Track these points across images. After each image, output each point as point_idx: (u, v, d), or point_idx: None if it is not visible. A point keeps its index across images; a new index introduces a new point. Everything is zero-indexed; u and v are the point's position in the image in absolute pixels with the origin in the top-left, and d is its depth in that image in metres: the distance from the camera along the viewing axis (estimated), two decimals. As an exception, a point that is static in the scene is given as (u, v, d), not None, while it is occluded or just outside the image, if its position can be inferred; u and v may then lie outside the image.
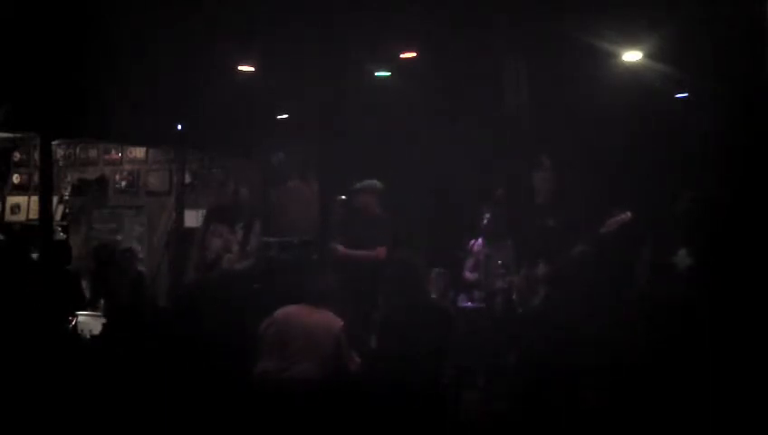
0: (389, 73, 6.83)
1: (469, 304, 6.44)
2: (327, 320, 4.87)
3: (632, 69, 6.02)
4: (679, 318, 4.74)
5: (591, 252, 5.32)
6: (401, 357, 4.89)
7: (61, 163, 9.01)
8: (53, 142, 6.95)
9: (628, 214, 5.37)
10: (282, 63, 6.75)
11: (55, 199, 8.19)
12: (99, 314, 7.30)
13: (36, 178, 8.12)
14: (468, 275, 6.51)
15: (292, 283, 7.65)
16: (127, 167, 8.94)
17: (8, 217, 9.13)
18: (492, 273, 6.23)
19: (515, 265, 6.27)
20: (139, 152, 8.85)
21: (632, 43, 5.82)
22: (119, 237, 8.65)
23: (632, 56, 5.93)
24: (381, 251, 6.01)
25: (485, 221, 6.36)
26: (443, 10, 5.82)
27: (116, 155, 8.98)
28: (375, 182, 6.34)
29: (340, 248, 6.23)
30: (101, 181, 8.82)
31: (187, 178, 8.34)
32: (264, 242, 6.78)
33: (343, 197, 6.57)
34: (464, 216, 6.78)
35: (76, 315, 6.74)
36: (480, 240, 6.44)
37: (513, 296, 5.90)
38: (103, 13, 6.04)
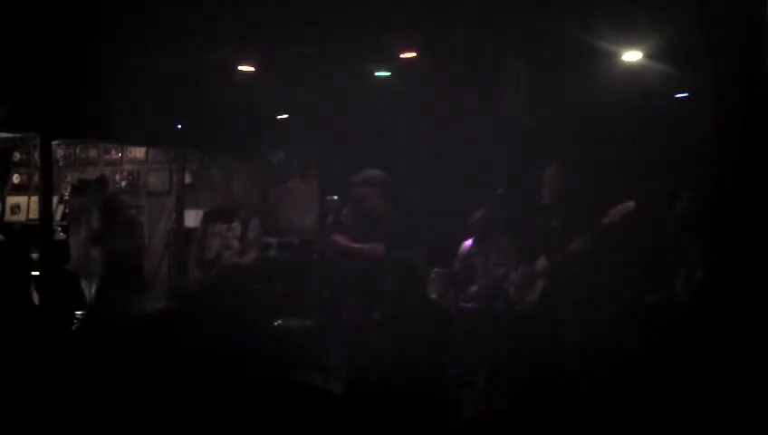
0: (389, 73, 6.83)
1: (469, 304, 6.43)
2: None
3: (632, 69, 6.01)
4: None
5: (589, 248, 5.27)
6: (401, 357, 4.90)
7: (61, 163, 9.02)
8: (53, 142, 6.95)
9: (631, 203, 5.27)
10: (282, 63, 6.75)
11: (55, 199, 8.20)
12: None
13: (36, 178, 8.13)
14: (461, 275, 6.46)
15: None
16: (127, 167, 8.95)
17: (8, 217, 9.14)
18: (489, 273, 6.22)
19: (514, 264, 6.27)
20: (139, 152, 8.86)
21: (632, 43, 5.82)
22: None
23: (632, 56, 5.93)
24: (377, 247, 5.77)
25: (477, 220, 6.34)
26: (443, 10, 5.81)
27: (116, 155, 9.00)
28: (375, 173, 6.03)
29: (341, 240, 6.00)
30: (101, 181, 8.83)
31: (187, 178, 8.35)
32: (264, 242, 6.79)
33: (335, 197, 6.46)
34: (464, 216, 6.77)
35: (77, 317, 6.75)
36: (471, 240, 6.40)
37: (511, 293, 5.89)
38: (103, 12, 6.04)
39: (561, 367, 5.01)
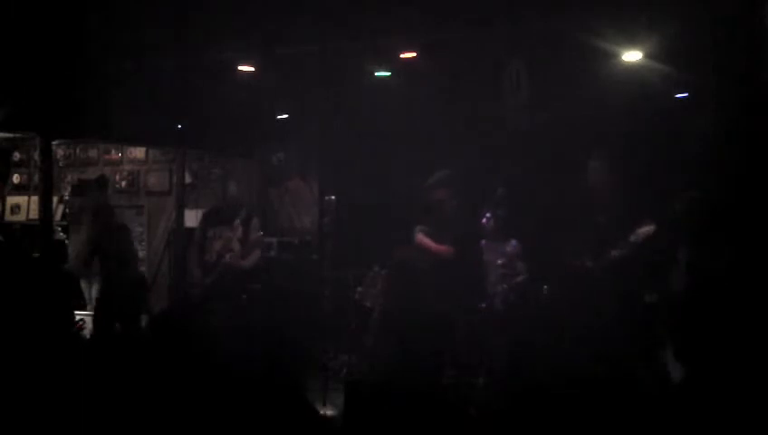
0: (389, 73, 6.83)
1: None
2: None
3: (632, 69, 6.01)
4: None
5: (626, 256, 5.31)
6: (401, 357, 4.89)
7: (61, 163, 9.02)
8: (53, 142, 6.95)
9: (652, 227, 5.32)
10: (282, 63, 6.75)
11: (55, 199, 8.19)
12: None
13: (36, 178, 8.12)
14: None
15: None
16: (127, 167, 8.95)
17: (8, 217, 9.14)
18: (492, 273, 6.24)
19: (518, 265, 6.28)
20: (139, 152, 8.86)
21: (632, 43, 5.81)
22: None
23: (632, 56, 5.93)
24: (446, 248, 5.73)
25: (485, 222, 6.37)
26: (443, 10, 5.82)
27: (116, 155, 8.99)
28: (448, 173, 5.90)
29: (420, 237, 5.88)
30: (101, 181, 8.83)
31: (187, 178, 8.34)
32: (264, 242, 6.79)
33: (332, 197, 6.47)
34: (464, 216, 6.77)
35: (82, 318, 6.76)
36: (483, 241, 6.43)
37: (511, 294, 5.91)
38: (103, 12, 6.05)
39: (563, 367, 5.01)
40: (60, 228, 8.62)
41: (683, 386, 4.67)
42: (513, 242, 6.34)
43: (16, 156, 9.39)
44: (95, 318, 6.92)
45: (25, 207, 9.03)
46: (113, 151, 8.97)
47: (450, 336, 5.80)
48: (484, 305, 6.19)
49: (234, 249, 6.19)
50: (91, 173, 8.95)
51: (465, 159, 7.16)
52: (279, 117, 8.36)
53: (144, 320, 6.81)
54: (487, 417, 5.18)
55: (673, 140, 6.30)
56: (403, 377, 4.69)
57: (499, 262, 6.22)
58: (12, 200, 9.22)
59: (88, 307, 7.98)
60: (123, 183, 8.88)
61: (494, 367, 5.81)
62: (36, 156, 7.83)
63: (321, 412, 5.70)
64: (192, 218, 7.90)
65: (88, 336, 6.92)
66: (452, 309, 5.59)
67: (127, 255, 7.02)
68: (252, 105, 7.71)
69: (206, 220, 6.51)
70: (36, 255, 6.44)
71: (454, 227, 5.77)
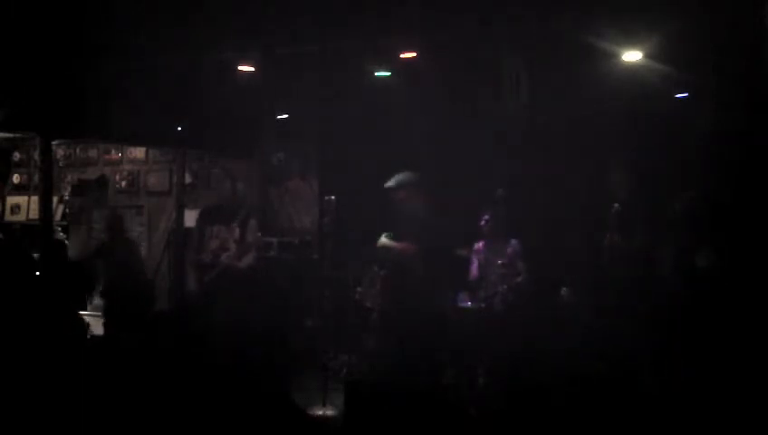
0: (389, 73, 6.83)
1: (469, 303, 6.44)
2: None
3: (632, 69, 6.02)
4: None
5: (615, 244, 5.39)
6: (400, 357, 4.90)
7: (61, 163, 9.02)
8: (53, 142, 6.95)
9: (615, 205, 5.48)
10: (282, 63, 6.75)
11: (55, 199, 8.19)
12: (99, 313, 7.33)
13: (36, 178, 8.13)
14: (472, 275, 6.49)
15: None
16: (127, 167, 8.95)
17: (8, 217, 9.14)
18: (492, 273, 6.24)
19: (518, 265, 6.29)
20: (139, 152, 8.86)
21: (632, 43, 5.82)
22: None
23: (632, 56, 5.93)
24: (409, 246, 5.84)
25: (484, 222, 6.38)
26: (443, 10, 5.82)
27: (116, 155, 8.99)
28: (408, 175, 6.07)
29: (382, 240, 6.05)
30: (101, 181, 8.83)
31: (187, 178, 8.35)
32: (264, 242, 6.78)
33: (332, 197, 6.49)
34: (464, 216, 6.78)
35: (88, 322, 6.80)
36: (482, 241, 6.45)
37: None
38: (103, 13, 6.04)
39: (561, 366, 5.03)
40: (60, 228, 8.62)
41: (684, 386, 4.68)
42: (514, 242, 6.34)
43: (16, 156, 9.39)
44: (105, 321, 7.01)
45: (25, 207, 9.04)
46: (113, 151, 8.97)
47: (449, 336, 5.81)
48: (484, 305, 6.21)
49: (230, 249, 6.17)
50: (91, 173, 8.96)
51: (464, 158, 7.17)
52: (279, 117, 8.36)
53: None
54: (487, 417, 5.19)
55: (673, 140, 6.30)
56: (402, 377, 4.70)
57: (499, 262, 6.22)
58: (12, 200, 9.23)
59: (88, 308, 7.99)
60: (123, 183, 8.88)
61: (494, 367, 5.82)
62: (36, 156, 7.83)
63: (320, 412, 5.71)
64: (192, 218, 7.89)
65: (89, 337, 6.94)
66: (423, 306, 5.64)
67: (133, 266, 7.11)
68: (252, 105, 7.71)
69: (204, 219, 6.49)
70: (36, 255, 6.44)
71: (416, 226, 5.87)
